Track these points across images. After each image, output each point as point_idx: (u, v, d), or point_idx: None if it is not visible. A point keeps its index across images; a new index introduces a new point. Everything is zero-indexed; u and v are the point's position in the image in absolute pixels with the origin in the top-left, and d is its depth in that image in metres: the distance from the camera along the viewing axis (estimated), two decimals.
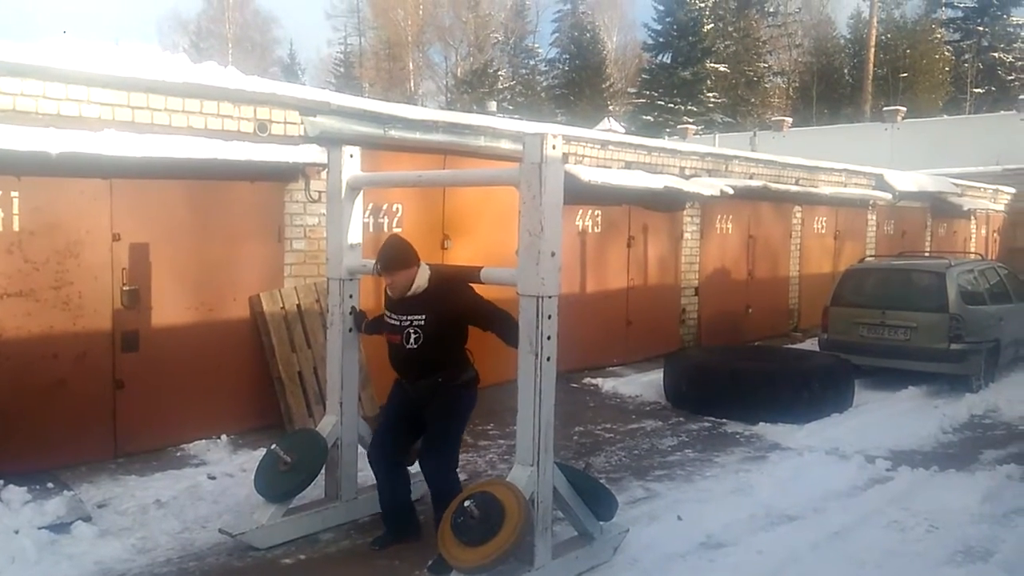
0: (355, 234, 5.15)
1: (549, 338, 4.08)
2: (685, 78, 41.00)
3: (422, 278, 4.53)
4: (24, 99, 5.70)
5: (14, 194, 5.65)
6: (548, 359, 4.12)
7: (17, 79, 5.65)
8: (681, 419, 7.94)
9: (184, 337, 6.54)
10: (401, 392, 4.75)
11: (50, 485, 4.82)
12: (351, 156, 5.09)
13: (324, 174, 7.43)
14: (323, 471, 5.09)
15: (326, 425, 5.13)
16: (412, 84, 45.96)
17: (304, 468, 4.85)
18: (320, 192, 7.50)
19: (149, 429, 6.29)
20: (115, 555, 4.47)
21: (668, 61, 42.87)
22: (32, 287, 5.79)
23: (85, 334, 6.02)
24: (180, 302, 6.55)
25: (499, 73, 45.56)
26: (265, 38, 46.63)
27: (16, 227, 5.69)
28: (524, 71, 49.22)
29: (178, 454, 6.31)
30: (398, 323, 4.55)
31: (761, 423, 7.60)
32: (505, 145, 9.04)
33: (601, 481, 5.01)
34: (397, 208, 8.15)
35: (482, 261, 8.80)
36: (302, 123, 7.25)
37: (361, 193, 5.24)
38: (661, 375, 8.77)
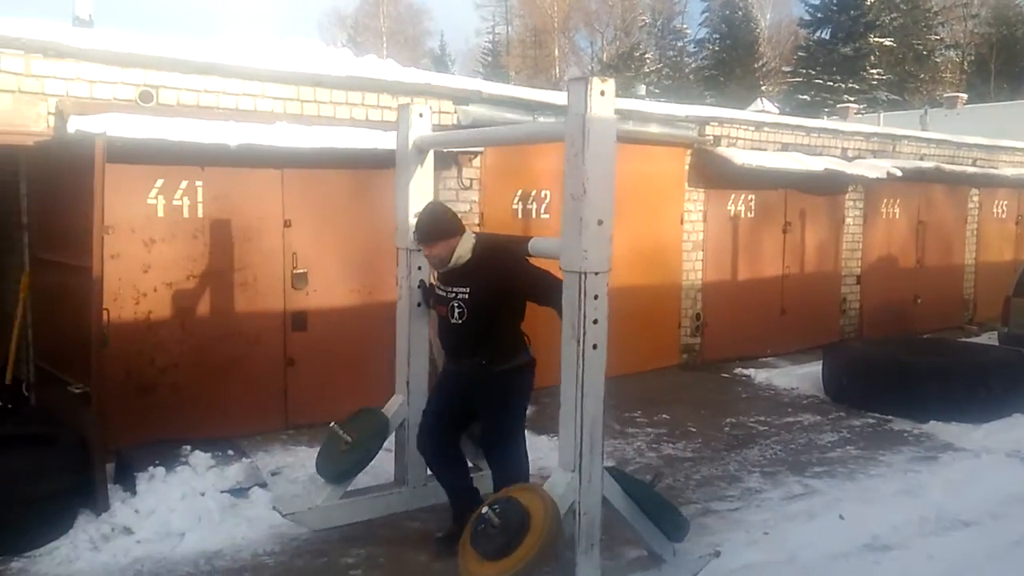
0: (422, 199, 4.70)
1: (596, 322, 3.51)
2: (846, 54, 38.62)
3: (464, 247, 4.14)
4: (207, 95, 6.17)
5: (198, 183, 6.14)
6: (595, 347, 3.54)
7: (201, 77, 6.12)
8: (842, 414, 7.54)
9: (347, 318, 6.88)
10: (449, 372, 4.44)
11: (230, 452, 5.22)
12: (420, 116, 4.74)
13: (475, 161, 7.65)
14: (393, 456, 4.97)
15: (392, 405, 4.91)
16: (557, 70, 46.04)
17: (360, 448, 4.63)
18: (471, 179, 7.67)
19: (316, 404, 6.68)
20: (285, 521, 4.78)
21: (827, 37, 40.51)
22: (214, 270, 6.28)
23: (260, 314, 6.47)
24: (343, 284, 6.90)
25: (646, 56, 44.74)
26: (417, 30, 48.13)
27: (200, 214, 6.18)
28: (672, 53, 48.07)
29: None
30: (444, 295, 4.22)
31: (932, 421, 7.08)
32: (654, 129, 8.88)
33: (669, 500, 4.32)
34: (546, 194, 8.20)
35: (634, 247, 8.83)
36: (455, 112, 7.43)
37: (431, 155, 4.84)
38: (819, 367, 8.35)
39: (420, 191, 4.76)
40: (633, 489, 3.96)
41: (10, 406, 6.03)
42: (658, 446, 6.52)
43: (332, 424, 4.72)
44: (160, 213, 5.99)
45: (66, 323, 5.36)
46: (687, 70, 46.73)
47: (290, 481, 5.41)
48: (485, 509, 3.41)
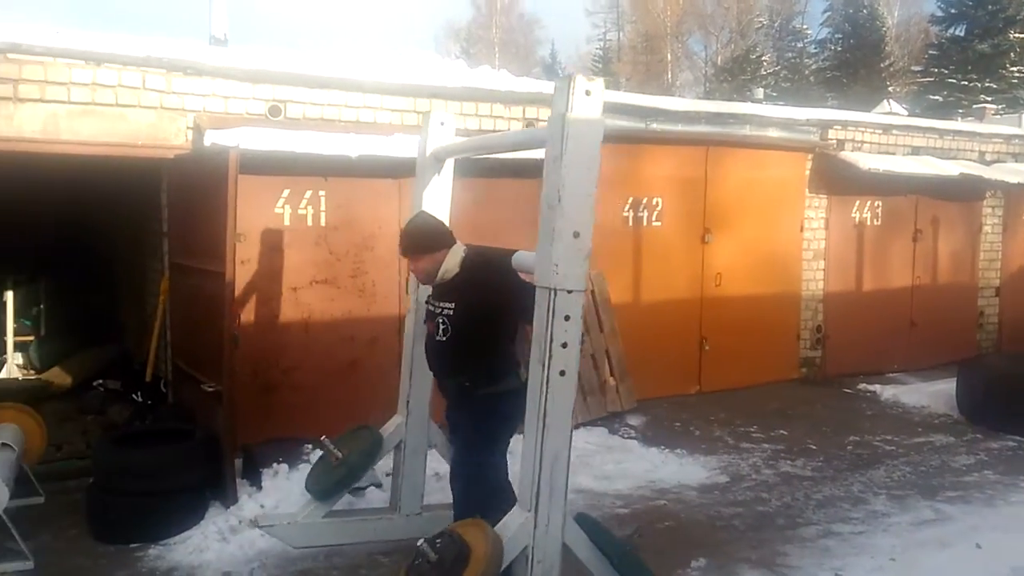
0: (436, 209, 4.45)
1: (565, 346, 3.11)
2: (982, 51, 36.20)
3: (452, 261, 3.88)
4: (330, 108, 6.43)
5: (322, 193, 6.39)
6: (562, 374, 3.13)
7: (324, 91, 6.38)
8: (978, 436, 7.05)
9: None
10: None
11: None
12: (441, 124, 4.53)
13: None
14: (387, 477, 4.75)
15: (390, 426, 4.59)
16: (670, 75, 45.36)
17: (345, 465, 4.33)
18: None
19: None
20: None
21: (961, 34, 38.09)
22: (335, 275, 6.52)
23: (376, 318, 6.67)
24: None
25: (763, 59, 43.43)
26: (528, 40, 48.53)
27: (323, 222, 6.43)
28: (790, 55, 46.47)
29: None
30: (433, 310, 3.96)
31: None
32: (772, 133, 8.61)
33: (647, 564, 3.55)
34: (657, 202, 8.09)
35: (751, 256, 8.59)
36: None
37: (448, 165, 4.57)
38: (952, 384, 7.85)
39: (436, 200, 4.54)
40: (604, 542, 3.45)
41: (149, 402, 6.47)
42: (775, 463, 6.29)
43: (323, 438, 4.42)
44: (286, 222, 6.28)
45: (200, 325, 5.69)
46: (807, 72, 45.02)
47: None
48: (421, 542, 3.10)
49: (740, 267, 8.58)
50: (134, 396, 6.64)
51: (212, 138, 5.58)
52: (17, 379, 8.43)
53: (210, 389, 5.26)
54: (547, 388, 3.13)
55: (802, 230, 9.09)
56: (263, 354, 6.19)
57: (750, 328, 8.51)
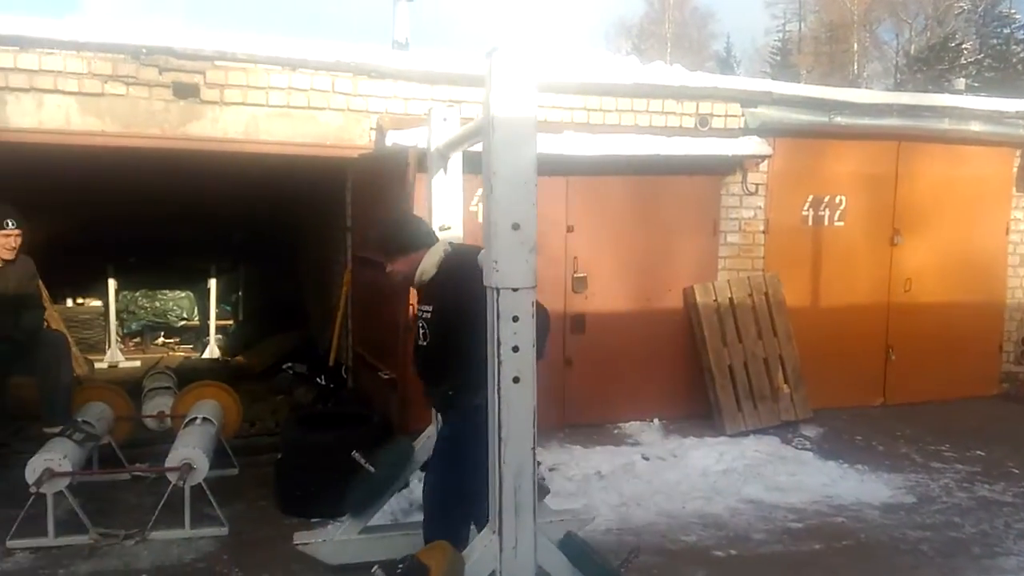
0: (446, 206, 4.23)
1: (516, 349, 2.83)
2: None
3: (429, 262, 3.60)
4: None
5: None
6: (516, 380, 2.85)
7: None
8: None
9: (623, 323, 6.93)
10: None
11: None
12: (444, 120, 4.27)
13: (762, 166, 7.32)
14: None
15: (423, 438, 4.31)
16: (856, 66, 42.64)
17: (375, 479, 4.16)
18: (757, 185, 7.36)
19: (591, 405, 6.81)
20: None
21: None
22: None
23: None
24: (621, 289, 6.96)
25: (963, 47, 39.83)
26: (702, 34, 47.28)
27: None
28: (996, 41, 42.30)
29: (615, 431, 6.73)
30: (418, 313, 3.74)
31: None
32: (975, 127, 7.87)
33: None
34: (840, 200, 7.62)
35: (946, 259, 7.91)
36: (742, 115, 7.18)
37: (455, 160, 4.29)
38: None
39: (444, 197, 4.29)
40: (590, 567, 3.16)
41: (331, 386, 6.90)
42: (970, 486, 5.75)
43: (354, 453, 4.25)
44: (479, 218, 6.46)
45: (378, 315, 5.99)
46: (1015, 60, 40.83)
47: (566, 479, 5.56)
48: (375, 568, 2.99)
49: (933, 271, 7.91)
50: (318, 380, 7.11)
51: (393, 138, 5.85)
52: (217, 359, 9.28)
53: (386, 376, 5.52)
54: (499, 397, 2.86)
55: (1008, 232, 8.25)
56: None
57: (943, 338, 7.84)
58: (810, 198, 7.51)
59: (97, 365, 8.71)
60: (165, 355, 9.50)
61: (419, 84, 6.30)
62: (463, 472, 3.44)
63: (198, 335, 10.07)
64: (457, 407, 3.55)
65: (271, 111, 5.99)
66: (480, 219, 6.32)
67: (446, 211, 4.20)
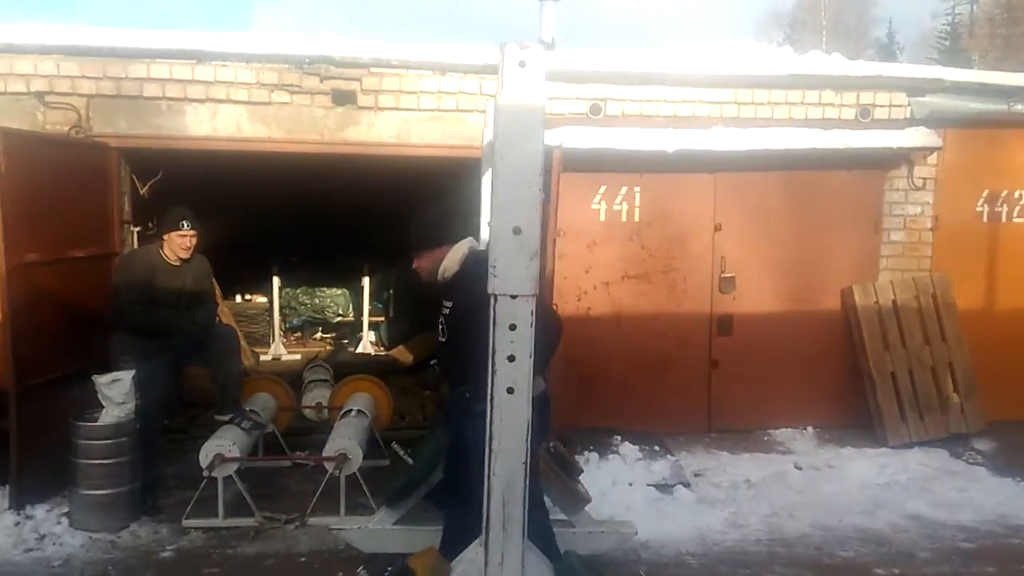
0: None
1: (512, 359, 2.75)
2: None
3: (452, 259, 3.57)
4: (648, 104, 6.46)
5: (637, 189, 6.45)
6: (510, 391, 2.77)
7: (643, 87, 6.42)
8: None
9: (774, 325, 6.65)
10: None
11: (656, 448, 5.41)
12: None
13: (931, 159, 6.81)
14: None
15: None
16: None
17: (410, 471, 4.10)
18: (924, 179, 6.86)
19: (739, 410, 6.58)
20: (710, 524, 4.78)
21: None
22: (646, 271, 6.55)
23: (687, 316, 6.58)
24: (772, 290, 6.68)
25: None
26: (861, 21, 44.60)
27: (636, 218, 6.49)
28: None
29: (764, 438, 6.47)
30: (441, 309, 3.68)
31: None
32: None
33: None
34: (1020, 195, 6.99)
35: None
36: (908, 105, 6.71)
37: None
38: None
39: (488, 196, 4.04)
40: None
41: None
42: None
43: (393, 444, 4.35)
44: (601, 218, 6.44)
45: None
46: None
47: (713, 484, 5.40)
48: (361, 568, 2.99)
49: None
50: None
51: None
52: (370, 354, 9.69)
53: None
54: (492, 407, 2.79)
55: None
56: (577, 345, 6.39)
57: None
58: (985, 193, 6.92)
59: (262, 358, 9.31)
60: (323, 349, 10.02)
61: (564, 84, 6.31)
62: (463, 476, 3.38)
63: (352, 330, 10.56)
64: (471, 412, 3.38)
65: (422, 115, 6.18)
66: (602, 218, 6.31)
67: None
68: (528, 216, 2.72)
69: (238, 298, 10.34)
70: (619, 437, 5.49)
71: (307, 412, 6.25)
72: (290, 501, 5.09)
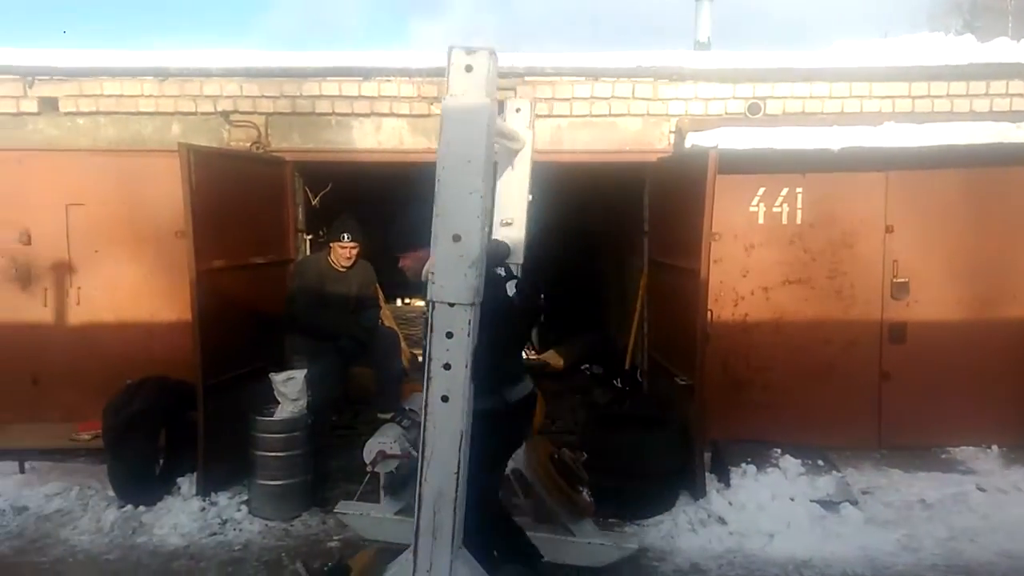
0: (509, 203, 4.03)
1: (448, 367, 2.72)
2: None
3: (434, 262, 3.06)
4: (811, 101, 6.17)
5: (798, 190, 6.17)
6: (444, 399, 2.74)
7: (806, 84, 6.14)
8: None
9: (954, 333, 6.16)
10: None
11: (820, 463, 5.13)
12: (517, 111, 4.06)
13: None
14: None
15: None
16: None
17: (407, 465, 4.04)
18: None
19: (913, 425, 6.14)
20: (879, 546, 4.49)
21: None
22: (809, 275, 6.24)
23: (855, 322, 6.20)
24: (951, 296, 6.19)
25: None
26: None
27: (798, 220, 6.20)
28: None
29: (943, 456, 6.00)
30: None
31: None
32: None
33: None
34: None
35: None
36: None
37: (522, 156, 4.02)
38: None
39: (508, 193, 4.06)
40: None
41: (627, 389, 6.98)
42: None
43: (297, 563, 4.28)
44: (760, 220, 6.20)
45: (675, 320, 5.93)
46: None
47: (883, 504, 5.06)
48: (297, 563, 3.38)
49: None
50: (614, 382, 7.23)
51: (692, 140, 5.77)
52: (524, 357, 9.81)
53: (682, 382, 5.45)
54: (426, 415, 2.78)
55: None
56: (734, 352, 6.22)
57: None
58: None
59: (420, 359, 9.67)
60: None
61: (720, 84, 6.15)
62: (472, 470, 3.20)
63: None
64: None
65: (574, 121, 6.21)
66: (761, 220, 6.06)
67: (509, 206, 4.07)
68: (469, 224, 2.70)
69: (399, 302, 10.81)
70: (778, 449, 5.25)
71: None
72: None
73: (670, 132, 6.21)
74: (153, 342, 6.12)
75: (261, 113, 6.18)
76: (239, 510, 5.05)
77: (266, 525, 4.88)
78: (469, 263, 2.70)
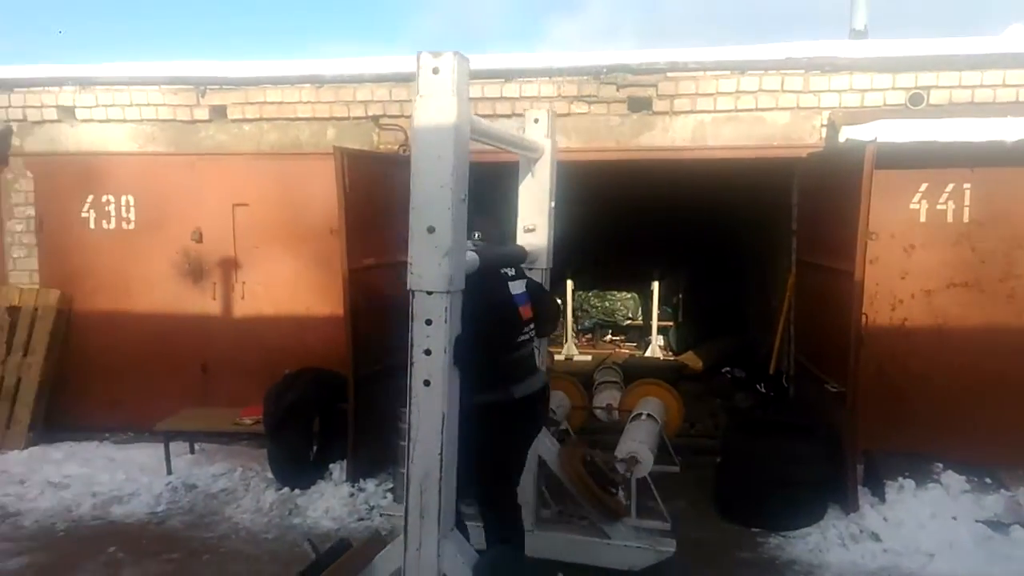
0: (529, 211, 4.20)
1: (428, 353, 2.87)
2: None
3: None
4: (982, 90, 5.72)
5: (966, 186, 5.73)
6: (426, 383, 2.90)
7: (976, 72, 5.70)
8: None
9: None
10: None
11: (987, 480, 4.75)
12: (536, 121, 4.24)
13: None
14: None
15: None
16: None
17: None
18: None
19: None
20: None
21: None
22: (977, 278, 5.79)
23: None
24: None
25: None
26: None
27: (965, 219, 5.77)
28: None
29: None
30: None
31: None
32: None
33: None
34: None
35: None
36: None
37: (542, 163, 4.20)
38: None
39: (528, 201, 4.24)
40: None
41: (771, 394, 6.72)
42: None
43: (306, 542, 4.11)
44: (922, 218, 5.81)
45: (824, 323, 5.65)
46: None
47: None
48: (306, 542, 3.54)
49: None
50: (757, 386, 6.98)
51: (847, 134, 5.47)
52: (659, 359, 9.69)
53: (833, 389, 5.19)
54: (409, 399, 2.94)
55: None
56: (890, 358, 5.86)
57: None
58: None
59: (555, 357, 9.73)
60: (613, 351, 10.22)
61: (877, 74, 5.80)
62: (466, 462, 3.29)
63: (641, 334, 10.63)
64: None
65: (718, 116, 6.05)
66: (922, 218, 5.64)
67: (531, 213, 4.25)
68: (441, 216, 2.87)
69: None
70: (940, 465, 4.89)
71: (598, 412, 6.40)
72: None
73: (821, 126, 5.93)
74: (307, 334, 6.48)
75: (407, 116, 6.40)
76: (385, 497, 5.26)
77: None
78: (443, 253, 2.88)
